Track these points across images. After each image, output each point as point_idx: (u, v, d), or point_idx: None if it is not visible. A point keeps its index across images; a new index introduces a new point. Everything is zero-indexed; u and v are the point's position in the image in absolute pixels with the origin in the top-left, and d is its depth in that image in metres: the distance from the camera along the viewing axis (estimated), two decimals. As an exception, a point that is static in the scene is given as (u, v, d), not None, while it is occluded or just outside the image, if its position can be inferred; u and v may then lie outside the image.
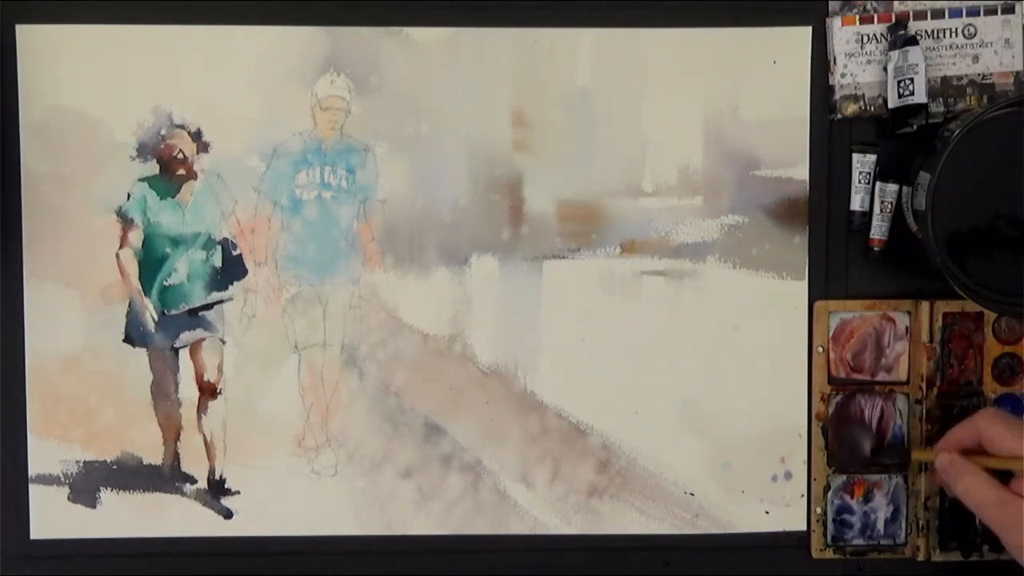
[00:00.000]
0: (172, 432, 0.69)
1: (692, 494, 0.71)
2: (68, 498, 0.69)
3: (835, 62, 0.68)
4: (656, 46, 0.69)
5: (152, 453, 0.69)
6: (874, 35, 0.68)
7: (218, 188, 0.68)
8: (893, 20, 0.68)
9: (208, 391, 0.69)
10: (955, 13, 0.68)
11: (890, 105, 0.68)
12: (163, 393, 0.69)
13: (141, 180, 0.68)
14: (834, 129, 0.69)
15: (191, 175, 0.68)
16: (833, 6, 0.69)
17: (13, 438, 0.69)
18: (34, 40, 0.67)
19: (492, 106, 0.69)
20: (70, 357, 0.68)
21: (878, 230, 0.69)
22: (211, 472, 0.70)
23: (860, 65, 0.68)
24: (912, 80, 0.67)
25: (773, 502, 0.71)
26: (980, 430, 0.63)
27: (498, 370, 0.70)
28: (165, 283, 0.69)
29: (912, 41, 0.67)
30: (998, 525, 0.62)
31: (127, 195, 0.68)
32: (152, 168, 0.68)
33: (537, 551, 0.71)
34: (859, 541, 0.70)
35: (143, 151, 0.68)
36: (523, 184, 0.69)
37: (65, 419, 0.69)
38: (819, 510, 0.70)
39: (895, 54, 0.67)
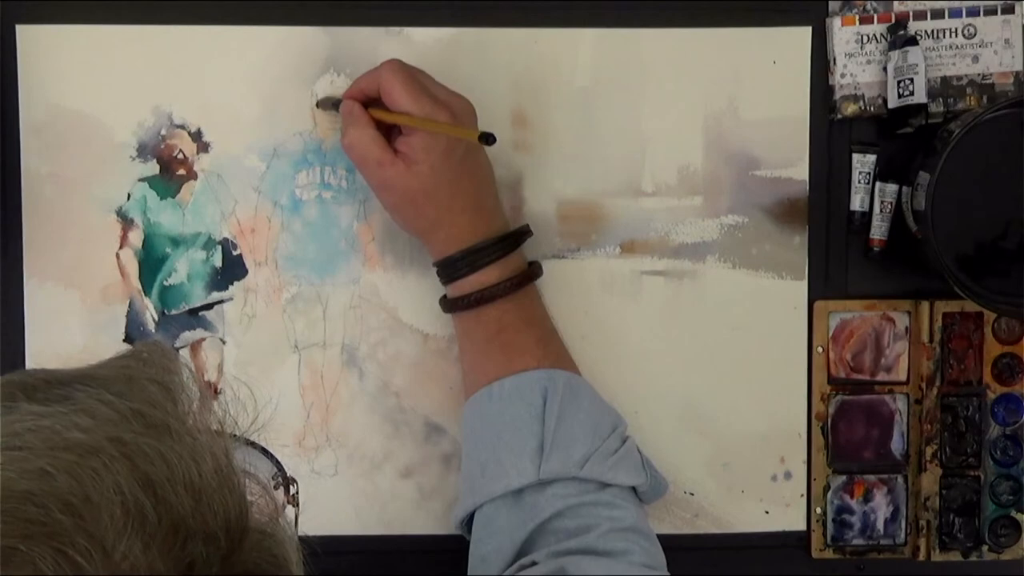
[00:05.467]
0: (172, 432, 0.69)
1: (692, 494, 0.70)
2: (68, 498, 0.69)
3: (835, 62, 0.68)
4: (656, 46, 0.69)
5: (152, 453, 0.69)
6: (874, 35, 0.68)
7: (218, 188, 0.68)
8: (893, 20, 0.68)
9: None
10: (955, 13, 0.68)
11: (890, 105, 0.68)
12: (163, 393, 0.69)
13: (141, 180, 0.68)
14: (834, 129, 0.69)
15: (191, 175, 0.68)
16: (833, 6, 0.69)
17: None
18: (34, 40, 0.67)
19: (492, 106, 0.68)
20: (70, 357, 0.68)
21: (878, 230, 0.69)
22: (211, 472, 0.69)
23: (860, 65, 0.68)
24: (912, 80, 0.67)
25: (773, 502, 0.71)
26: (380, 81, 0.62)
27: (498, 370, 0.69)
28: (165, 283, 0.69)
29: (912, 41, 0.67)
30: (375, 184, 0.63)
31: (127, 195, 0.68)
32: (152, 168, 0.68)
33: (537, 551, 0.71)
34: (859, 541, 0.70)
35: (143, 151, 0.68)
36: (523, 184, 0.69)
37: (65, 419, 0.69)
38: (819, 510, 0.70)
39: (895, 54, 0.67)
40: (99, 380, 0.36)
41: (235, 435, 0.39)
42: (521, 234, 0.65)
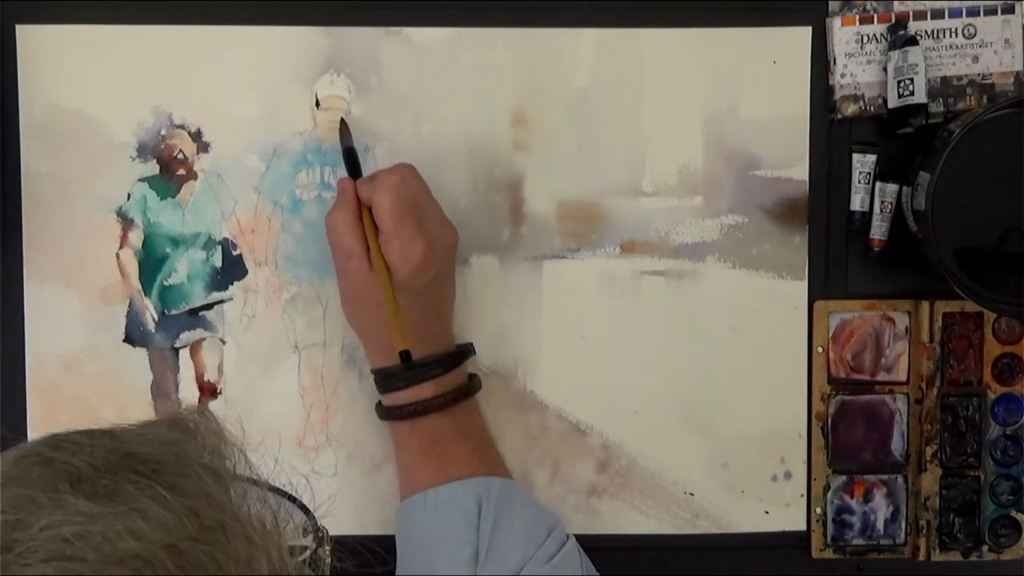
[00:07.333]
0: (172, 432, 0.69)
1: (692, 494, 0.70)
2: (68, 498, 0.69)
3: (835, 62, 0.68)
4: (656, 46, 0.69)
5: (152, 453, 0.69)
6: (874, 35, 0.68)
7: (218, 188, 0.68)
8: (893, 20, 0.68)
9: (208, 391, 0.69)
10: (955, 13, 0.68)
11: (890, 105, 0.68)
12: (163, 393, 0.69)
13: (141, 180, 0.68)
14: (834, 129, 0.69)
15: (191, 175, 0.68)
16: (833, 6, 0.69)
17: (13, 438, 0.69)
18: (34, 40, 0.67)
19: (492, 106, 0.68)
20: (70, 357, 0.68)
21: (878, 230, 0.69)
22: (211, 472, 0.69)
23: (860, 65, 0.68)
24: (912, 80, 0.67)
25: (773, 502, 0.71)
26: (374, 194, 0.61)
27: (498, 370, 0.70)
28: (165, 283, 0.69)
29: (912, 41, 0.67)
30: (337, 268, 0.63)
31: (127, 195, 0.68)
32: (152, 168, 0.68)
33: (537, 551, 0.70)
34: (859, 541, 0.70)
35: (143, 151, 0.68)
36: (523, 184, 0.69)
37: (65, 419, 0.69)
38: (819, 510, 0.70)
39: (895, 54, 0.67)
40: (149, 464, 0.35)
41: (276, 488, 0.38)
42: (462, 354, 0.65)
